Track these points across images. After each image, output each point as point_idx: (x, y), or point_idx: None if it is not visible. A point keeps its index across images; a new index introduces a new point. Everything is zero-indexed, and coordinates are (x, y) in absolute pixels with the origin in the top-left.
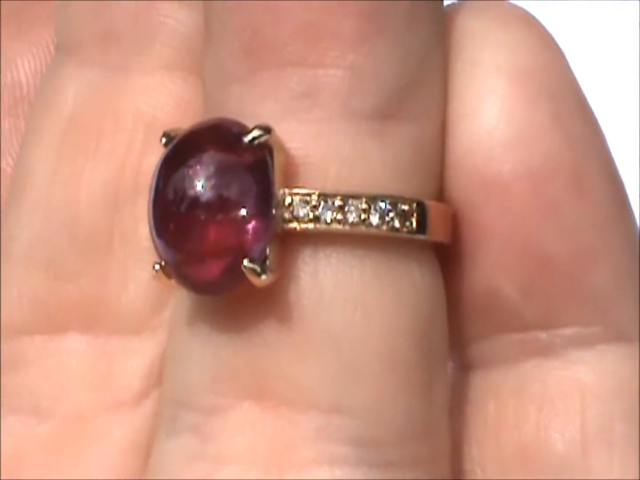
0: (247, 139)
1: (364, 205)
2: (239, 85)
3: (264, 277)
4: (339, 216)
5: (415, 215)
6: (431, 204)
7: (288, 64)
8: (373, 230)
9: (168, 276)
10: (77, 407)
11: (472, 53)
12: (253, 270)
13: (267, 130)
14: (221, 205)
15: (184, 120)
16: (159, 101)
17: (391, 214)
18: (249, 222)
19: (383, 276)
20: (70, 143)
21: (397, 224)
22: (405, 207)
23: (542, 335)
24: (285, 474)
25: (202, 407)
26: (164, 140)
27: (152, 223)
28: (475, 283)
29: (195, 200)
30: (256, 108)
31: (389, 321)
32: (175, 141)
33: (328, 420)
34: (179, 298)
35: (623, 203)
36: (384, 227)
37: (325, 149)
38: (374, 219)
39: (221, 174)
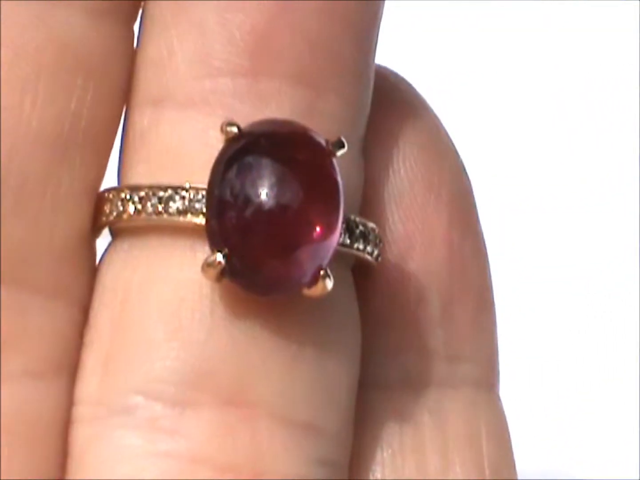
0: (338, 152)
1: (369, 233)
2: (235, 83)
3: (329, 285)
4: (352, 239)
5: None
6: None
7: (292, 77)
8: (370, 258)
9: (219, 271)
10: None
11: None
12: (328, 276)
13: (344, 145)
14: (314, 218)
15: (116, 69)
16: (93, 43)
17: (378, 241)
18: (333, 235)
19: (353, 301)
20: (2, 69)
21: (377, 251)
22: (379, 236)
23: (445, 368)
24: None
25: (172, 401)
26: (233, 129)
27: (218, 218)
28: (409, 288)
29: (281, 206)
30: (255, 111)
31: (355, 349)
32: (250, 138)
33: (303, 438)
34: (146, 281)
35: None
36: (375, 253)
37: None
38: (373, 247)
39: (309, 183)
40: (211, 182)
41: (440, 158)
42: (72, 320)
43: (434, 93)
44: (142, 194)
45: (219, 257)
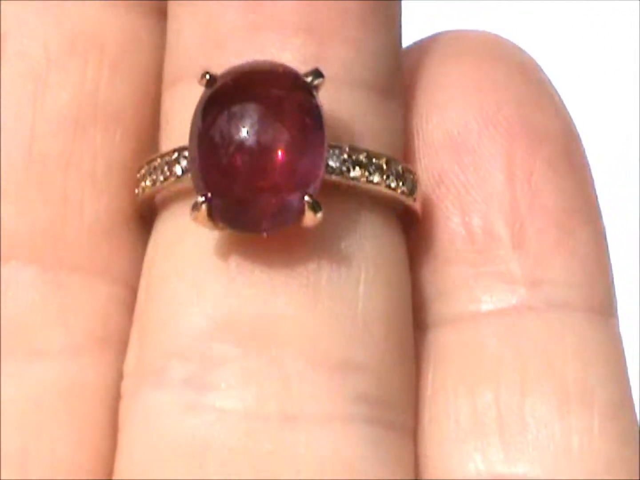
0: (309, 79)
1: (385, 166)
2: (238, 41)
3: (319, 214)
4: (366, 173)
5: (415, 183)
6: (419, 174)
7: (292, 28)
8: (389, 192)
9: (209, 214)
10: (33, 345)
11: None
12: (313, 206)
13: (321, 74)
14: (280, 145)
15: (135, 48)
16: (108, 26)
17: (402, 179)
18: (309, 161)
19: (391, 237)
20: (11, 62)
21: (406, 188)
22: (411, 176)
23: (526, 291)
24: (296, 430)
25: (199, 357)
26: (207, 77)
27: (197, 161)
28: (469, 222)
29: (253, 141)
30: None
31: (396, 284)
32: (222, 81)
33: (339, 376)
34: (166, 246)
35: (595, 196)
36: (399, 190)
37: (337, 114)
38: (392, 181)
39: (277, 115)
40: (191, 132)
41: (497, 88)
42: (115, 297)
43: None
44: (156, 163)
45: (200, 199)
